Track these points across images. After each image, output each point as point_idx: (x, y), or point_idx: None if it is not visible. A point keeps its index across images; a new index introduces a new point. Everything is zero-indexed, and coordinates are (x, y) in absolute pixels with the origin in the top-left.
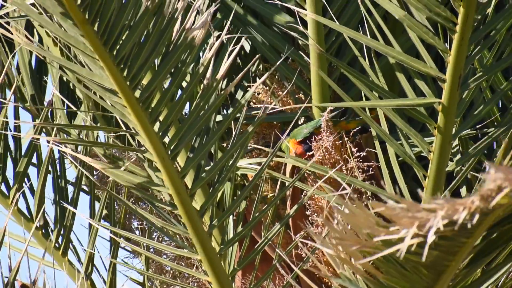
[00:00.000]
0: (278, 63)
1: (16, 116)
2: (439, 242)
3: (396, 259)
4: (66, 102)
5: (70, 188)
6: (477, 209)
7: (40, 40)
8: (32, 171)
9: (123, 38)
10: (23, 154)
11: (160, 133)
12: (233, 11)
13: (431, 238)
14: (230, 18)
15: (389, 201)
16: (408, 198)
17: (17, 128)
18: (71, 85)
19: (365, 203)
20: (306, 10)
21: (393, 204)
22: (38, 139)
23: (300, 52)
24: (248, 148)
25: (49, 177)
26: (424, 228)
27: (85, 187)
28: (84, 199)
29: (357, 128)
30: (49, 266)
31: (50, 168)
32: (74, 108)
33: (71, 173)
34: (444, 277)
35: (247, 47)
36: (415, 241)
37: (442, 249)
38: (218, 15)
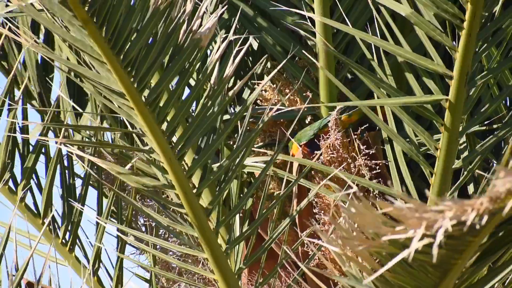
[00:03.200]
0: (284, 61)
1: (24, 113)
2: (446, 241)
3: (403, 258)
4: (72, 103)
5: (78, 183)
6: (486, 210)
7: (47, 38)
8: (40, 167)
9: (131, 41)
10: (31, 150)
11: (167, 134)
12: (240, 10)
13: (439, 238)
14: (237, 18)
15: (396, 202)
16: (415, 196)
17: (25, 126)
18: (78, 83)
19: (372, 202)
20: (314, 9)
21: (400, 205)
22: (46, 134)
23: (304, 51)
24: (255, 146)
25: (57, 173)
26: (431, 229)
27: (93, 184)
28: (92, 196)
29: (365, 126)
30: (55, 262)
31: (57, 165)
32: (81, 110)
33: (79, 169)
34: (451, 275)
35: (255, 46)
36: (424, 242)
37: (448, 248)
38: (225, 15)
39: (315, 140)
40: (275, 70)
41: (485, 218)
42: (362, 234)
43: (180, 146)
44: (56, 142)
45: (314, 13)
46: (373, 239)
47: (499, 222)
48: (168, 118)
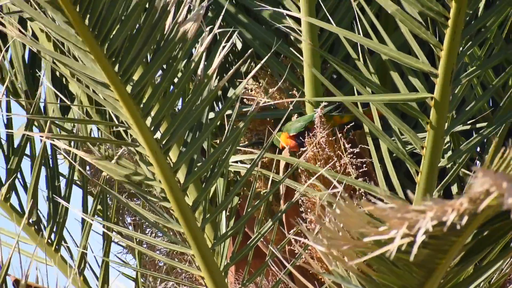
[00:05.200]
0: (266, 57)
1: (9, 111)
2: (429, 241)
3: (388, 258)
4: (60, 96)
5: (63, 184)
6: (466, 210)
7: (34, 35)
8: (25, 167)
9: (115, 31)
10: (15, 149)
11: (152, 128)
12: (225, 8)
13: (420, 238)
14: (222, 14)
15: (378, 202)
16: (400, 195)
17: (9, 124)
18: (64, 80)
19: (357, 201)
20: (299, 8)
21: (382, 205)
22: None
23: (291, 49)
24: (241, 145)
25: (42, 173)
26: (413, 229)
27: (78, 183)
28: (77, 195)
29: (351, 125)
30: (42, 262)
31: (43, 164)
32: (68, 102)
33: (65, 169)
34: (435, 275)
35: (240, 45)
36: (405, 241)
37: (432, 247)
38: (210, 13)
39: (304, 133)
40: (259, 65)
41: (465, 218)
42: (348, 234)
43: (165, 140)
44: (41, 138)
45: (300, 10)
46: (358, 239)
47: (482, 222)
48: (153, 113)
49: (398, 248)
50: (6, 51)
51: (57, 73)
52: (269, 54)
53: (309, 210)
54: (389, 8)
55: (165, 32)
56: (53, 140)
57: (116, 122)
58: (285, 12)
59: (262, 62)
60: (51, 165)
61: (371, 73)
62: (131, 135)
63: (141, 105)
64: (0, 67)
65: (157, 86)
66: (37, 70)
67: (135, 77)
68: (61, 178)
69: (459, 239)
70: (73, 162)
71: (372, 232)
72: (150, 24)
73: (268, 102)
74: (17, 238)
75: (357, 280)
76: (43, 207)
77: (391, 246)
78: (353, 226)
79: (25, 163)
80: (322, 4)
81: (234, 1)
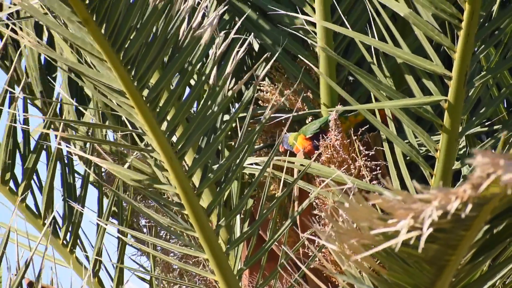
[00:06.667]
0: (276, 55)
1: (25, 112)
2: (438, 235)
3: (398, 255)
4: (74, 101)
5: (79, 184)
6: (470, 198)
7: (51, 39)
8: (41, 168)
9: (131, 39)
10: (31, 150)
11: (168, 133)
12: (240, 11)
13: (427, 228)
14: (237, 17)
15: (384, 193)
16: None
17: (26, 124)
18: (79, 83)
19: (365, 197)
20: (314, 10)
21: (388, 196)
22: (47, 135)
23: (301, 57)
24: (256, 147)
25: (58, 174)
26: (419, 219)
27: (94, 184)
28: (93, 196)
29: (365, 127)
30: (55, 263)
31: (57, 164)
32: (82, 107)
33: (81, 169)
34: (446, 272)
35: (256, 48)
36: (413, 234)
37: (441, 242)
38: (226, 16)
39: (321, 135)
40: (268, 65)
41: (469, 206)
42: (357, 229)
43: (180, 146)
44: (56, 138)
45: (315, 12)
46: (365, 233)
47: (492, 216)
48: (168, 118)
49: (407, 243)
50: (21, 54)
51: (73, 75)
52: (277, 53)
53: (322, 213)
54: (402, 11)
55: (180, 38)
56: (68, 144)
57: (131, 128)
58: (300, 16)
59: (271, 62)
60: (66, 166)
61: (385, 76)
62: (145, 140)
63: (157, 111)
64: (16, 69)
65: (172, 92)
66: (53, 71)
67: (150, 83)
68: (76, 178)
69: (467, 233)
70: (88, 170)
71: (380, 225)
72: (165, 31)
73: (283, 104)
74: (38, 242)
75: (370, 281)
76: (59, 208)
77: (399, 238)
78: (361, 220)
79: (41, 165)
80: (337, 6)
81: (249, 3)
